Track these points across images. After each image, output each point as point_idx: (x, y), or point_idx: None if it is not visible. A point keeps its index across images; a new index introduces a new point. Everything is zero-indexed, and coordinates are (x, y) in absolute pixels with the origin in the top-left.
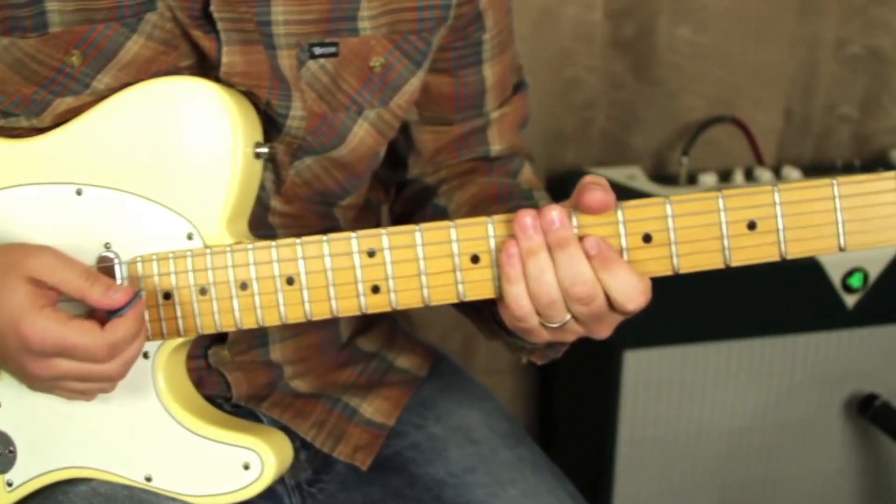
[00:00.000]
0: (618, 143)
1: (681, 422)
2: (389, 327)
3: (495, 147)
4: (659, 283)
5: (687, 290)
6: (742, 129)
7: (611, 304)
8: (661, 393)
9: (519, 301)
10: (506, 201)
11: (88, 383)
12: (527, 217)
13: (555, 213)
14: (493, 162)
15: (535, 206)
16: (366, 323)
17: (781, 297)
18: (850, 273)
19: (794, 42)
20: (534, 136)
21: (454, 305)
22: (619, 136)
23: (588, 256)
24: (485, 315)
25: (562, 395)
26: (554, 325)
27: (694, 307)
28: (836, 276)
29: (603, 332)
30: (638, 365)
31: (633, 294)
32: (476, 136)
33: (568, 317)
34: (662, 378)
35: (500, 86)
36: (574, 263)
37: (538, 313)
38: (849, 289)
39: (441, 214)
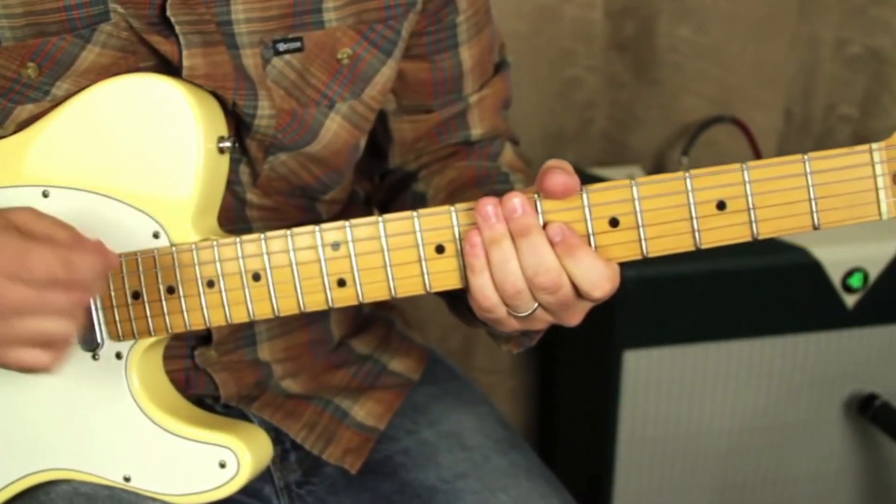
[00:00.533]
0: (618, 143)
1: (681, 422)
2: (385, 329)
3: (476, 131)
4: (659, 284)
5: (687, 290)
6: (742, 129)
7: (577, 292)
8: (661, 393)
9: (485, 292)
10: (483, 186)
11: (38, 320)
12: (488, 205)
13: (516, 200)
14: (473, 146)
15: (510, 190)
16: (360, 324)
17: (781, 297)
18: (850, 273)
19: (794, 42)
20: (534, 136)
21: (439, 294)
22: (619, 136)
23: (552, 244)
24: (460, 305)
25: (562, 395)
26: (522, 315)
27: (694, 307)
28: (836, 276)
29: (573, 319)
30: (638, 365)
31: (598, 281)
32: (456, 121)
33: (535, 305)
34: (662, 378)
35: (478, 68)
36: (537, 252)
37: (505, 303)
38: (849, 289)
39: (420, 200)
